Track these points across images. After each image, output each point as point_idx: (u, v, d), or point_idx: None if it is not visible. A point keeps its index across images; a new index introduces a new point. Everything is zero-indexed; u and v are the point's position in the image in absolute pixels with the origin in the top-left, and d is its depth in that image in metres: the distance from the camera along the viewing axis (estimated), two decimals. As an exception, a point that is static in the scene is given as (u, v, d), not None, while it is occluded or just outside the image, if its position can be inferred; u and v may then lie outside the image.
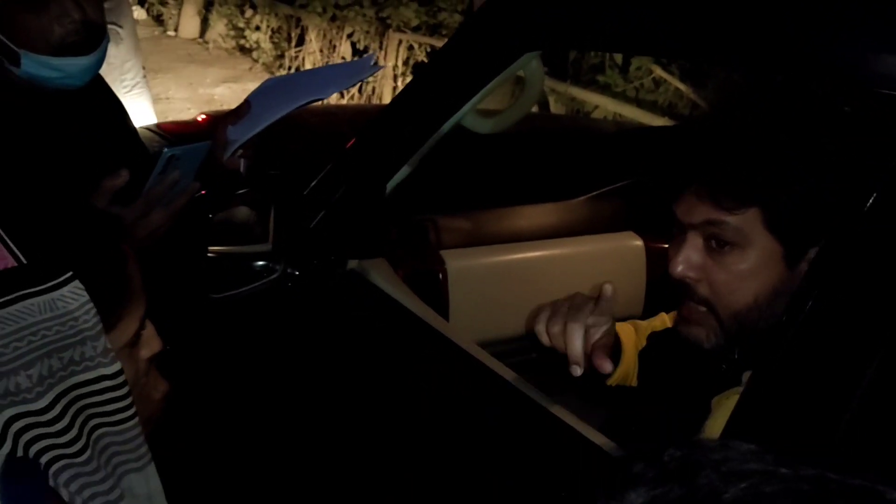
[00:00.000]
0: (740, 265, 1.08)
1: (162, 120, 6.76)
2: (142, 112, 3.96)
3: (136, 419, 0.84)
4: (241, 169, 1.49)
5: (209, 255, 1.49)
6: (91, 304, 0.79)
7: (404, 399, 1.48)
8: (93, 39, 1.34)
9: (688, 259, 1.12)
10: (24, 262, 0.75)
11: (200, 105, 7.27)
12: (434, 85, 1.53)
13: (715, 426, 1.08)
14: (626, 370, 1.34)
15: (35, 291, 0.76)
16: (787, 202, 1.05)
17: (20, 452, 0.75)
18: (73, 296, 0.78)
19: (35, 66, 1.32)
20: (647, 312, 2.08)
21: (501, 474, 1.28)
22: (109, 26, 1.49)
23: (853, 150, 1.06)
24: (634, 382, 1.40)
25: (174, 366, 1.00)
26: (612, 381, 1.36)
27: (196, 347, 1.49)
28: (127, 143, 1.47)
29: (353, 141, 1.66)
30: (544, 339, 1.19)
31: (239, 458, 1.66)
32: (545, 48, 1.42)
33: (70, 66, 1.34)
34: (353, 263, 1.64)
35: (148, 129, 2.80)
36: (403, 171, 1.61)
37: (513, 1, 1.39)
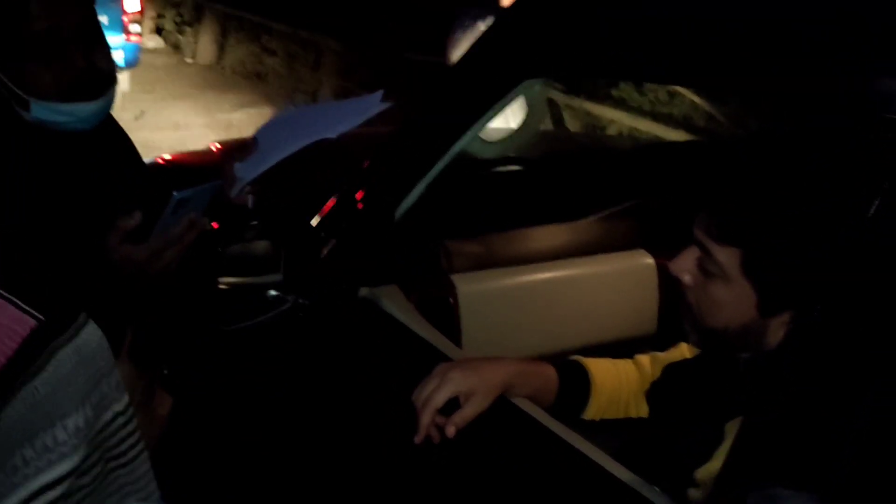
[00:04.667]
0: (718, 295, 1.12)
1: (179, 146, 6.87)
2: None
3: (146, 453, 0.86)
4: (249, 205, 1.51)
5: (221, 286, 1.50)
6: (105, 340, 0.81)
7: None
8: (101, 85, 1.36)
9: (683, 265, 1.17)
10: (42, 318, 0.76)
11: (218, 131, 7.35)
12: (438, 112, 1.55)
13: (725, 452, 1.08)
14: (600, 404, 1.41)
15: (63, 341, 0.77)
16: (766, 254, 1.06)
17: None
18: (92, 335, 0.79)
19: (44, 111, 1.35)
20: (661, 329, 2.09)
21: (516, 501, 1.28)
22: None
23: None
24: (630, 413, 1.42)
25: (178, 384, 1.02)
26: (586, 416, 1.41)
27: (207, 377, 1.50)
28: (138, 182, 1.50)
29: (361, 168, 1.68)
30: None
31: (253, 491, 1.67)
32: (545, 76, 1.44)
33: (79, 111, 1.36)
34: (364, 291, 1.65)
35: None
36: (412, 198, 1.62)
37: (513, 29, 1.40)
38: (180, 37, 10.44)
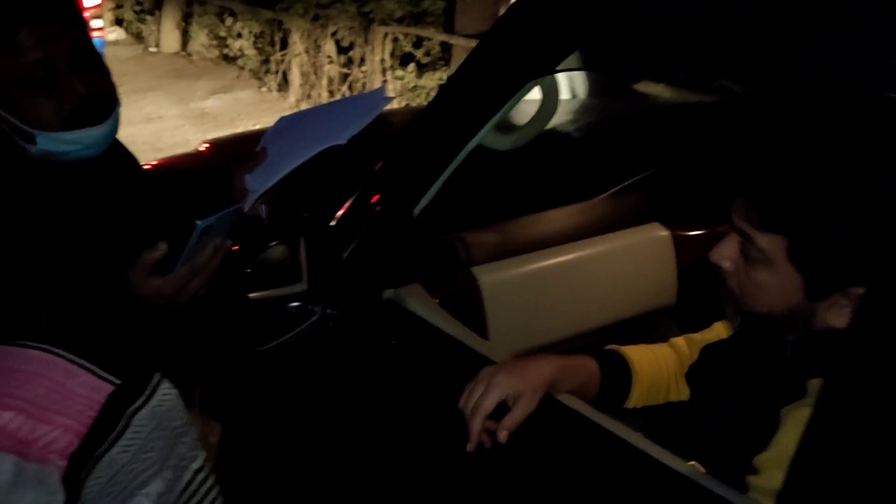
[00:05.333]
0: (761, 279, 1.12)
1: (156, 140, 6.75)
2: None
3: (221, 500, 0.85)
4: (263, 215, 1.48)
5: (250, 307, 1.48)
6: (180, 399, 0.79)
7: (457, 429, 1.48)
8: (103, 109, 1.33)
9: (724, 252, 1.16)
10: (118, 382, 0.74)
11: (193, 120, 7.24)
12: (453, 108, 1.52)
13: (786, 439, 1.08)
14: (642, 391, 1.41)
15: (140, 404, 0.75)
16: (811, 240, 1.06)
17: None
18: (167, 395, 0.78)
19: (50, 143, 1.31)
20: (681, 301, 2.09)
21: (561, 496, 1.28)
22: None
23: None
24: (671, 398, 1.43)
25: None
26: (629, 405, 1.41)
27: (249, 400, 1.49)
28: (151, 208, 1.46)
29: (376, 168, 1.65)
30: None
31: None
32: (555, 71, 1.42)
33: (85, 138, 1.33)
34: (388, 293, 1.64)
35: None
36: (429, 195, 1.60)
37: (524, 23, 1.38)
38: (142, 26, 10.23)
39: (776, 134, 1.08)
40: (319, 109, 1.66)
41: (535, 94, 1.54)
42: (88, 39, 1.34)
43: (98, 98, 1.32)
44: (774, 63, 1.05)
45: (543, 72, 1.45)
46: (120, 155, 1.53)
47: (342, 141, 1.37)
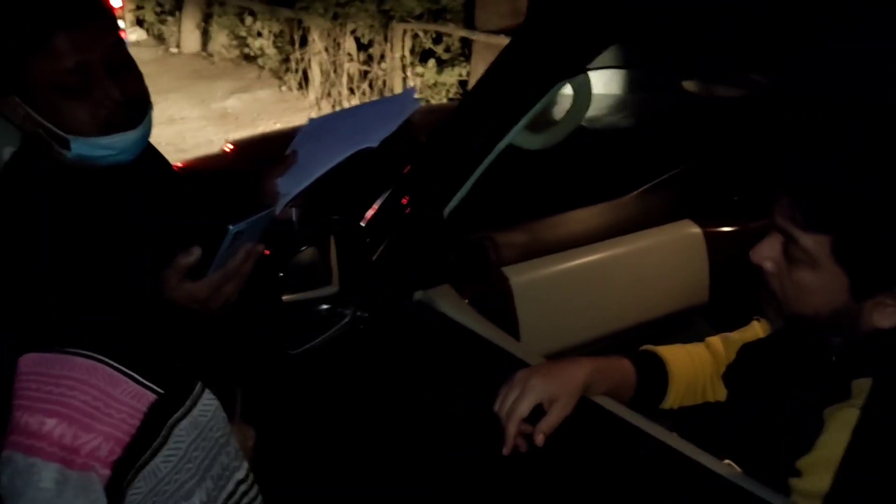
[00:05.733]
0: (805, 280, 1.09)
1: (180, 142, 6.79)
2: None
3: None
4: (294, 218, 1.47)
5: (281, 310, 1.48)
6: (221, 409, 0.79)
7: (490, 432, 1.47)
8: (137, 113, 1.32)
9: (765, 252, 1.13)
10: (160, 391, 0.74)
11: (215, 121, 7.27)
12: (483, 108, 1.51)
13: (831, 441, 1.06)
14: (678, 392, 1.39)
15: (181, 414, 0.75)
16: (858, 239, 1.03)
17: None
18: (208, 406, 0.78)
19: (85, 147, 1.31)
20: (713, 298, 2.07)
21: (598, 498, 1.27)
22: None
23: None
24: (708, 398, 1.41)
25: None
26: (665, 405, 1.39)
27: (284, 405, 1.48)
28: (183, 212, 1.46)
29: (406, 169, 1.64)
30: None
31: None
32: (583, 71, 1.41)
33: (119, 143, 1.32)
34: (419, 294, 1.63)
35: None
36: (459, 196, 1.59)
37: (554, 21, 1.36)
38: (163, 27, 10.28)
39: (822, 131, 1.06)
40: (349, 112, 1.66)
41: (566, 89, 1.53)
42: (123, 43, 1.34)
43: (132, 102, 1.32)
44: (823, 59, 1.03)
45: (575, 70, 1.43)
46: (152, 158, 1.53)
47: (374, 143, 1.37)
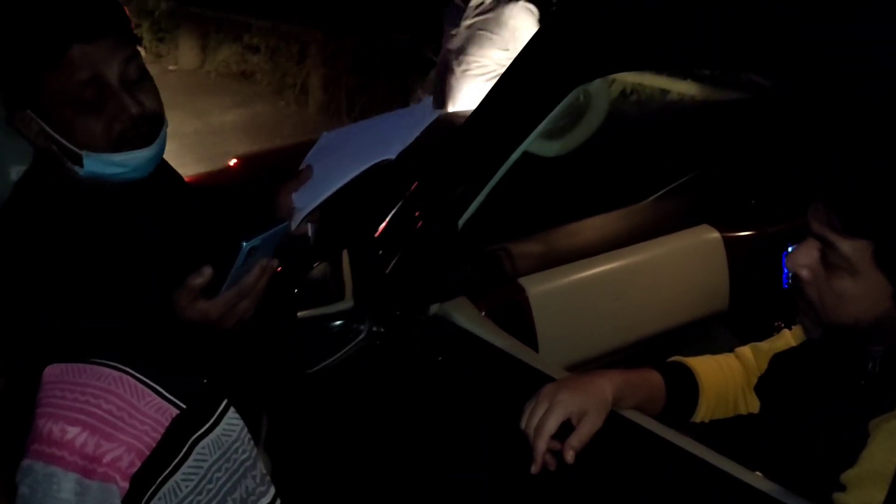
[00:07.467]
0: (844, 288, 1.05)
1: (181, 157, 6.76)
2: None
3: None
4: (309, 233, 1.44)
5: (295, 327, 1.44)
6: (246, 430, 0.76)
7: (511, 446, 1.42)
8: (151, 130, 1.29)
9: (801, 260, 1.09)
10: (184, 406, 0.71)
11: (214, 136, 7.24)
12: (497, 117, 1.47)
13: (879, 453, 1.02)
14: (709, 404, 1.35)
15: (204, 432, 0.72)
16: None
17: None
18: (232, 425, 0.74)
19: (97, 164, 1.28)
20: (734, 304, 2.03)
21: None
22: None
23: None
24: (740, 410, 1.37)
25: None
26: (696, 419, 1.35)
27: (304, 426, 1.44)
28: (197, 229, 1.42)
29: (413, 186, 1.60)
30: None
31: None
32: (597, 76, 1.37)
33: (132, 160, 1.29)
34: (435, 307, 1.59)
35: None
36: (473, 207, 1.55)
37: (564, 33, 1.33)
38: (160, 45, 10.27)
39: (860, 134, 1.02)
40: (364, 125, 1.62)
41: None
42: (139, 56, 1.31)
43: (146, 118, 1.29)
44: (862, 60, 0.99)
45: (590, 76, 1.40)
46: (164, 173, 1.49)
47: (392, 156, 1.33)
